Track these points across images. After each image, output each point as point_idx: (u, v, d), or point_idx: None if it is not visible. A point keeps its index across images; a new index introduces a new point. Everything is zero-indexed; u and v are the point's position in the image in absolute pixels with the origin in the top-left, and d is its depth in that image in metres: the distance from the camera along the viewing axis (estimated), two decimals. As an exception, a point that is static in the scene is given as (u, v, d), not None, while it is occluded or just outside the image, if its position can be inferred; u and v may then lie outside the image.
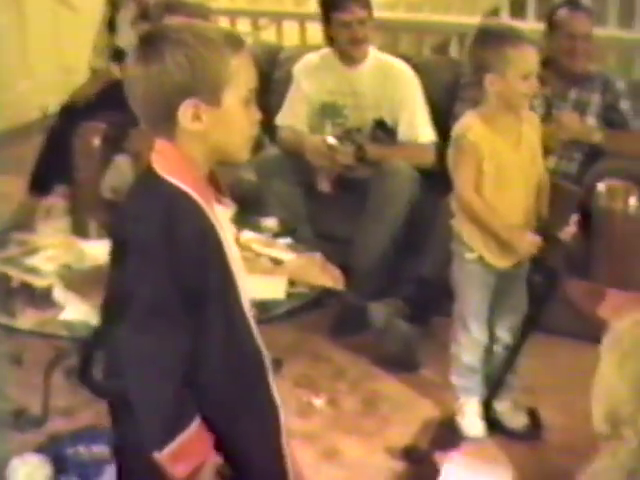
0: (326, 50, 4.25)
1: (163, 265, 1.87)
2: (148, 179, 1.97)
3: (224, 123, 1.96)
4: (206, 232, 1.93)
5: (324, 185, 4.05)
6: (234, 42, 1.96)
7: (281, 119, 4.28)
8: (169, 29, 1.96)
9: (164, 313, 1.87)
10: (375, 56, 4.19)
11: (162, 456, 1.87)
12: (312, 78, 4.23)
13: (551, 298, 3.24)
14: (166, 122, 1.93)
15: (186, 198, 1.91)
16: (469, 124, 3.06)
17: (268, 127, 4.13)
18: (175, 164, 1.95)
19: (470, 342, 3.21)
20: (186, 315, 1.88)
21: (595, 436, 1.64)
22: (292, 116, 4.25)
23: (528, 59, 2.95)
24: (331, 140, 4.02)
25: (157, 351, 1.86)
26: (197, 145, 1.95)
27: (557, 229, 3.18)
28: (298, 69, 4.31)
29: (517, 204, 3.10)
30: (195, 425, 1.90)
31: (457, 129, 3.08)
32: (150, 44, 1.93)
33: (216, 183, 2.08)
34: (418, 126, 4.11)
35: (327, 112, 4.21)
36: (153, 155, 1.97)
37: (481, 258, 3.12)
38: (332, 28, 4.13)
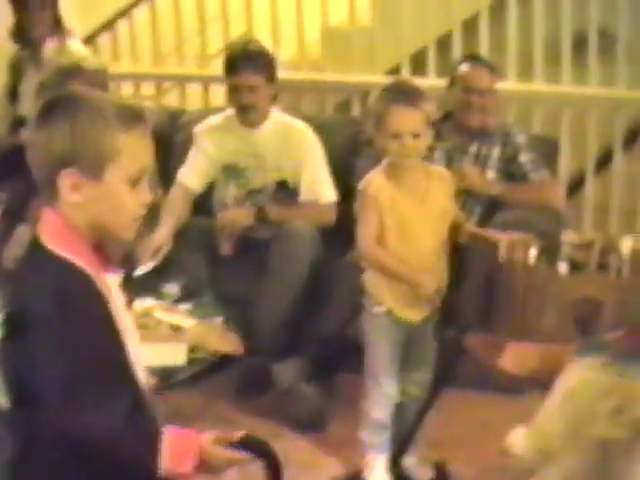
0: (228, 112, 4.27)
1: (68, 339, 1.86)
2: (35, 252, 1.97)
3: (105, 199, 1.95)
4: (98, 301, 1.93)
5: (225, 248, 4.04)
6: (129, 117, 1.95)
7: (180, 174, 4.27)
8: (63, 99, 1.97)
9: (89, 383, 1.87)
10: (276, 117, 4.21)
11: (166, 470, 1.90)
12: (214, 139, 4.24)
13: (462, 353, 3.27)
14: (50, 190, 1.94)
15: (74, 269, 1.90)
16: (371, 179, 3.13)
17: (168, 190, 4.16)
18: (60, 234, 1.95)
19: (381, 397, 3.22)
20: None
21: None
22: (191, 173, 4.25)
23: (397, 120, 3.02)
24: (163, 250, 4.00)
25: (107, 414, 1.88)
26: (79, 216, 1.95)
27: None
28: (199, 130, 4.31)
29: (424, 257, 3.15)
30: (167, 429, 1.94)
31: (361, 184, 3.15)
32: (44, 112, 1.95)
33: (104, 250, 2.05)
34: (319, 186, 4.14)
35: (229, 173, 4.23)
36: (39, 225, 1.97)
37: (390, 312, 3.16)
38: (229, 91, 4.17)
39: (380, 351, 3.20)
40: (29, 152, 1.96)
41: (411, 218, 3.11)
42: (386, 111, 3.04)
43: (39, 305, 1.87)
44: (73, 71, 4.09)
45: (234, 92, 4.11)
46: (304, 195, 4.14)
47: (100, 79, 4.11)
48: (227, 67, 4.14)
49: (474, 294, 3.72)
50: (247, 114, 4.13)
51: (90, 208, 1.95)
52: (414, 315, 3.18)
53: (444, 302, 3.17)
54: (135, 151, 1.95)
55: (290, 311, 3.87)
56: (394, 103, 3.04)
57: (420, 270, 3.12)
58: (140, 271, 3.62)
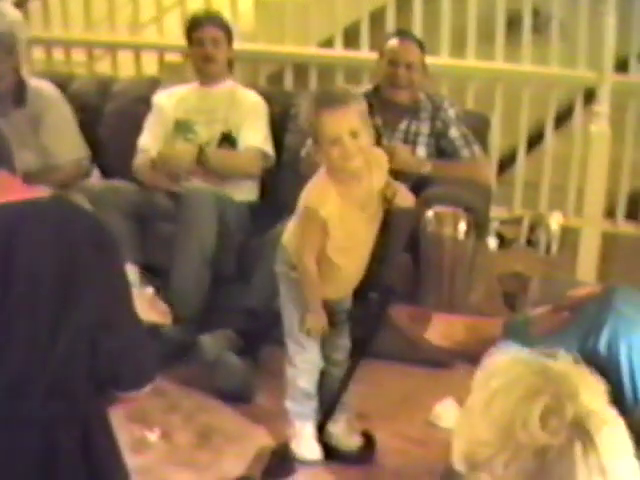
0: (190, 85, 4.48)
1: None
2: None
3: None
4: None
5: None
6: None
7: (140, 142, 4.39)
8: None
9: None
10: (231, 84, 4.47)
11: None
12: (172, 100, 4.44)
13: (385, 316, 3.28)
14: None
15: None
16: (322, 197, 3.01)
17: (98, 159, 4.11)
18: None
19: (305, 363, 3.21)
20: None
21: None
22: (151, 139, 4.38)
23: (330, 124, 2.93)
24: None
25: None
26: None
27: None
28: (159, 96, 4.49)
29: (357, 261, 3.15)
30: None
31: (309, 198, 3.04)
32: None
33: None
34: (258, 136, 4.32)
35: (179, 128, 4.37)
36: None
37: None
38: (191, 48, 4.46)
39: (300, 316, 3.16)
40: None
41: (357, 228, 3.08)
42: (319, 120, 2.94)
43: None
44: None
45: (198, 46, 4.40)
46: (242, 142, 4.31)
47: (10, 42, 4.08)
48: (191, 25, 4.48)
49: (400, 265, 3.74)
50: (208, 65, 4.40)
51: None
52: (331, 294, 3.17)
53: (369, 272, 3.15)
54: None
55: (204, 275, 3.91)
56: (324, 109, 2.95)
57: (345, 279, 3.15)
58: None
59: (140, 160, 4.35)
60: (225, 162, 4.25)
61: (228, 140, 4.31)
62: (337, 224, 3.01)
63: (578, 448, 1.32)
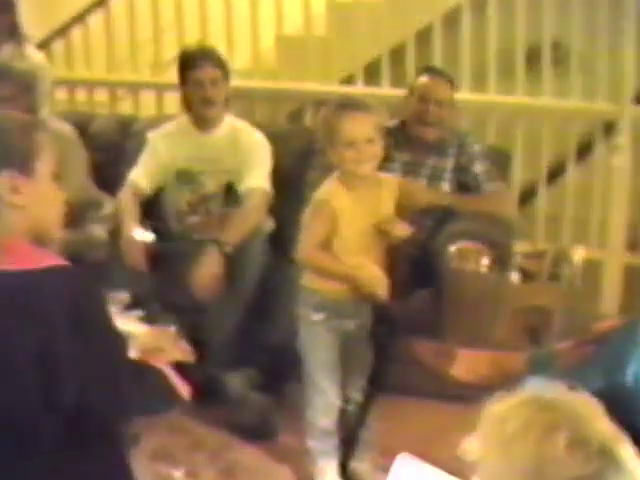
0: (182, 118, 4.24)
1: None
2: None
3: (40, 196, 2.02)
4: None
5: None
6: (33, 123, 2.12)
7: (131, 174, 4.18)
8: None
9: None
10: (230, 122, 4.19)
11: None
12: (168, 145, 4.19)
13: (392, 349, 3.28)
14: None
15: None
16: (333, 191, 3.11)
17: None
18: None
19: (324, 404, 3.23)
20: None
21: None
22: (142, 174, 4.16)
23: (349, 126, 3.01)
24: (139, 235, 3.87)
25: None
26: (20, 219, 2.00)
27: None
28: (153, 135, 4.25)
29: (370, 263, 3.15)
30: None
31: (320, 194, 3.13)
32: None
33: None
34: (257, 175, 4.07)
35: (183, 178, 4.18)
36: None
37: (328, 319, 3.16)
38: (187, 89, 4.12)
39: (320, 359, 3.21)
40: None
41: (366, 230, 3.12)
42: (338, 120, 3.03)
43: None
44: (3, 71, 4.07)
45: (196, 87, 4.07)
46: (244, 184, 4.05)
47: (28, 82, 4.09)
48: (186, 64, 4.12)
49: (424, 302, 3.74)
50: (208, 109, 4.09)
51: (31, 208, 2.00)
52: (349, 323, 3.19)
53: (386, 307, 3.17)
54: (49, 148, 2.06)
55: (243, 319, 3.83)
56: (345, 111, 3.04)
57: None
58: (118, 304, 3.51)
59: (124, 194, 4.11)
60: (243, 232, 3.87)
61: (233, 191, 4.11)
62: (347, 222, 3.07)
63: (611, 473, 1.32)
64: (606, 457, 1.33)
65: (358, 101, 3.15)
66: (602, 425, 1.38)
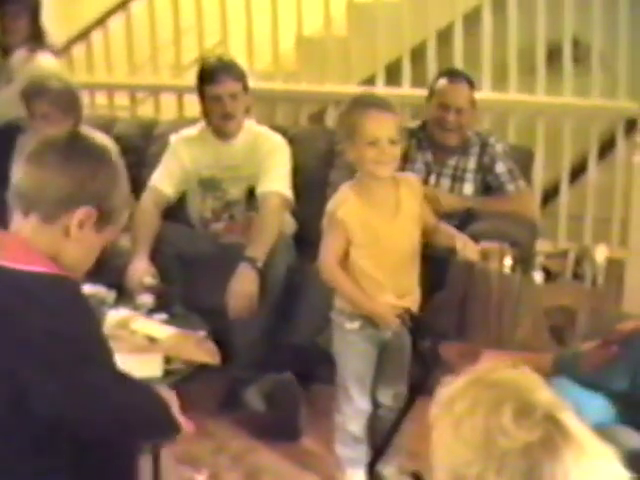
0: (202, 124, 4.21)
1: None
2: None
3: (84, 242, 2.07)
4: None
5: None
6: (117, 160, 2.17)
7: (153, 180, 4.17)
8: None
9: None
10: (249, 128, 4.17)
11: None
12: (190, 152, 4.17)
13: (435, 356, 3.26)
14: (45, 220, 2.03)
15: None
16: (341, 200, 3.07)
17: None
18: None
19: (354, 411, 3.20)
20: None
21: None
22: (165, 178, 4.15)
23: (373, 125, 2.97)
24: (148, 281, 3.78)
25: None
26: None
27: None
28: (176, 140, 4.23)
29: (392, 273, 3.10)
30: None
31: (330, 204, 3.09)
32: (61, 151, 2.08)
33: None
34: (273, 178, 4.04)
35: (206, 187, 4.18)
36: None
37: (362, 327, 3.13)
38: (206, 102, 4.09)
39: (352, 367, 3.18)
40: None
41: (384, 234, 3.07)
42: (361, 119, 2.98)
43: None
44: (41, 89, 4.07)
45: (215, 102, 4.03)
46: (260, 187, 4.03)
47: (65, 100, 4.09)
48: (206, 78, 4.07)
49: (449, 303, 3.73)
50: (228, 123, 4.07)
51: (74, 246, 2.04)
52: (385, 332, 3.16)
53: (418, 312, 3.15)
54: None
55: (269, 322, 3.81)
56: (369, 110, 2.99)
57: (386, 290, 3.07)
58: (142, 308, 3.50)
59: (145, 201, 4.09)
60: (267, 244, 3.83)
61: (254, 195, 4.09)
62: (357, 227, 3.03)
63: (559, 438, 1.38)
64: (551, 423, 1.39)
65: (382, 99, 3.12)
66: (544, 394, 1.45)
